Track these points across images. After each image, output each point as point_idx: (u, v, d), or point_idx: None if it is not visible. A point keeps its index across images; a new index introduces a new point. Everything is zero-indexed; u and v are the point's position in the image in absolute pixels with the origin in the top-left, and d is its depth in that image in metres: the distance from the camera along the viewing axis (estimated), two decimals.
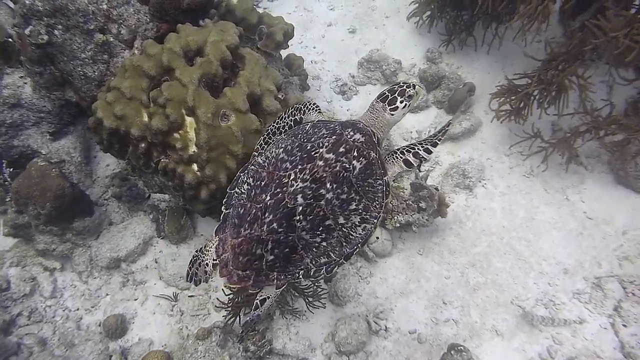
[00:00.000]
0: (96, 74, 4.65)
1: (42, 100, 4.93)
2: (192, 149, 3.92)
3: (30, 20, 4.47)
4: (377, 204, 3.10)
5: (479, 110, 5.69)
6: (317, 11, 6.78)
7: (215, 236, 3.23)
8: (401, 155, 3.47)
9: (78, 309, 4.97)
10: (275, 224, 2.91)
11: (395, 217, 4.91)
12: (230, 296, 4.46)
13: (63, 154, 5.14)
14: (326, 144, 3.05)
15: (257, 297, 3.27)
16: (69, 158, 5.16)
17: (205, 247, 3.37)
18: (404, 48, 6.27)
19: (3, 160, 4.93)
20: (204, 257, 3.33)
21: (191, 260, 3.40)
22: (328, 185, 2.93)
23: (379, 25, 6.52)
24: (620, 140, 4.74)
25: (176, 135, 3.91)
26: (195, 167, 3.95)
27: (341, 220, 2.97)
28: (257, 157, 3.43)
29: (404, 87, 3.40)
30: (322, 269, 3.04)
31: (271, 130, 3.74)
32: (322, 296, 4.58)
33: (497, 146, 5.50)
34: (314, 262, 3.01)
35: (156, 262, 5.11)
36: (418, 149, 3.49)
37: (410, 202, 4.89)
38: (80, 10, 4.43)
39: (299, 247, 2.95)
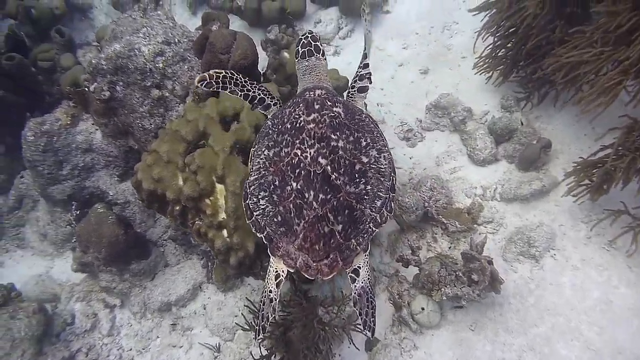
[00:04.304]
0: (153, 126, 4.89)
1: (110, 146, 5.29)
2: (222, 215, 3.95)
3: (96, 77, 4.82)
4: (377, 133, 3.17)
5: (555, 168, 5.06)
6: (390, 50, 6.51)
7: (275, 256, 3.06)
8: (353, 91, 3.67)
9: (131, 349, 5.23)
10: (321, 194, 2.87)
11: (443, 289, 4.53)
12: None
13: (128, 195, 5.46)
14: (300, 112, 3.09)
15: (348, 273, 3.09)
16: (134, 199, 5.48)
17: (265, 288, 3.14)
18: (478, 92, 5.77)
19: (74, 202, 5.37)
20: (269, 295, 3.11)
21: (260, 316, 3.16)
22: (333, 136, 2.97)
23: (454, 66, 6.08)
24: None
25: (207, 201, 3.96)
26: (225, 233, 3.97)
27: (364, 159, 3.00)
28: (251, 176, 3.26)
29: (309, 36, 3.54)
30: (383, 211, 3.01)
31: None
32: None
33: (575, 211, 4.84)
34: (373, 209, 2.97)
35: (204, 309, 5.24)
36: (358, 72, 3.67)
37: (460, 274, 4.48)
38: (139, 68, 4.67)
39: (353, 202, 2.91)
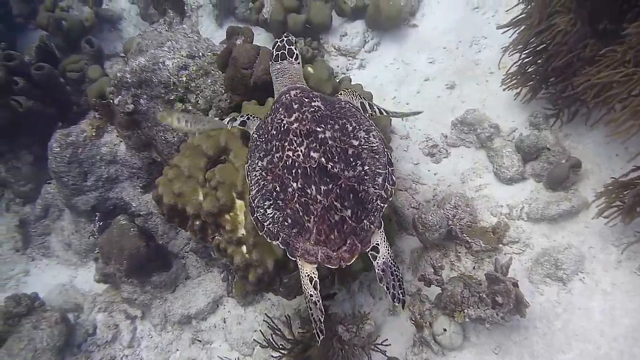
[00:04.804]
0: (175, 139, 4.92)
1: (133, 157, 5.35)
2: (241, 231, 3.93)
3: (121, 90, 4.87)
4: (361, 116, 3.21)
5: (585, 189, 4.89)
6: (416, 64, 6.41)
7: (295, 258, 3.08)
8: (358, 97, 3.61)
9: None
10: (322, 186, 2.93)
11: (465, 311, 4.41)
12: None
13: (151, 206, 5.50)
14: (281, 116, 3.14)
15: (368, 252, 3.08)
16: (156, 211, 5.50)
17: (306, 294, 3.14)
18: (506, 108, 5.64)
19: (97, 213, 5.44)
20: (310, 299, 3.11)
21: (312, 320, 3.13)
22: (318, 129, 3.03)
23: (481, 82, 5.95)
24: None
25: (227, 217, 3.95)
26: (244, 249, 3.95)
27: (355, 142, 3.05)
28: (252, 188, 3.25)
29: (284, 39, 3.60)
30: (386, 186, 3.05)
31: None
32: None
33: (605, 233, 4.66)
34: (376, 186, 3.01)
35: (224, 323, 5.21)
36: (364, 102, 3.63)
37: (484, 296, 4.36)
38: (163, 82, 4.71)
39: (355, 185, 2.96)
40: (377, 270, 3.03)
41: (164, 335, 5.31)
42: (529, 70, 5.23)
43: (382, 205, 3.02)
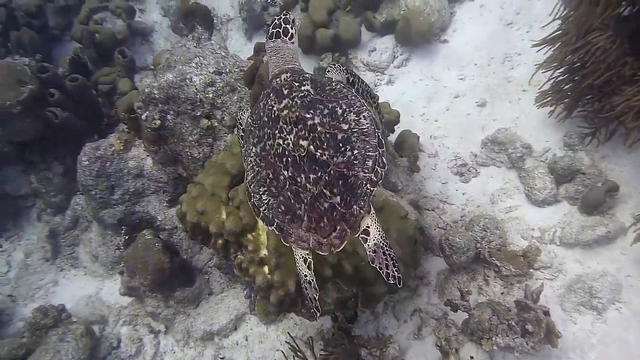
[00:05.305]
0: (201, 155, 4.92)
1: (159, 172, 5.38)
2: (264, 251, 3.89)
3: (148, 105, 4.90)
4: (352, 96, 3.17)
5: (622, 214, 4.68)
6: (446, 80, 6.28)
7: (289, 243, 3.13)
8: (345, 72, 3.62)
9: None
10: (311, 174, 2.94)
11: (493, 338, 4.25)
12: None
13: (176, 221, 5.50)
14: (272, 102, 3.15)
15: (359, 236, 3.05)
16: (181, 225, 5.51)
17: (300, 274, 3.23)
18: (539, 128, 5.45)
19: (124, 227, 5.48)
20: (305, 279, 3.21)
21: (308, 299, 3.23)
22: (308, 115, 3.02)
23: (514, 100, 5.78)
24: None
25: (249, 236, 3.91)
26: (266, 269, 3.90)
27: (344, 126, 3.02)
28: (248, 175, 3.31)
29: (282, 17, 3.54)
30: (376, 168, 3.02)
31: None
32: None
33: None
34: (366, 170, 2.98)
35: (246, 340, 5.17)
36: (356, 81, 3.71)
37: (514, 323, 4.20)
38: (189, 98, 4.72)
39: (345, 171, 2.94)
40: (368, 252, 3.00)
41: (187, 351, 5.30)
42: (564, 87, 5.06)
43: (372, 188, 3.00)
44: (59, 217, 6.65)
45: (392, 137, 5.47)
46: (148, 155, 5.37)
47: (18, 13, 8.01)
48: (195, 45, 5.14)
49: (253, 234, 3.90)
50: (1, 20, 7.78)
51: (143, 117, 4.89)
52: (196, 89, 4.68)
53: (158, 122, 4.85)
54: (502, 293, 4.66)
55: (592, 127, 5.02)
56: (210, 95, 4.70)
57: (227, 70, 4.89)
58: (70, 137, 6.48)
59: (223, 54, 5.07)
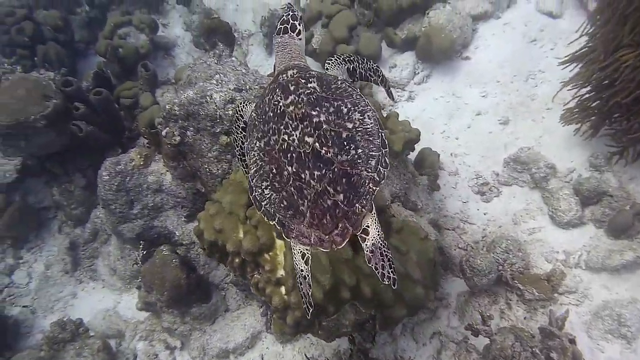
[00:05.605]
0: (220, 171, 4.91)
1: (178, 187, 5.37)
2: (281, 272, 3.84)
3: (169, 122, 4.92)
4: (357, 95, 3.19)
5: None
6: (467, 97, 6.19)
7: (290, 239, 3.11)
8: (344, 62, 3.60)
9: None
10: (315, 171, 2.95)
11: None
12: None
13: (194, 236, 5.49)
14: (278, 97, 3.14)
15: (357, 235, 3.06)
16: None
17: (297, 268, 3.21)
18: (563, 148, 5.32)
19: (142, 242, 5.48)
20: (301, 274, 3.18)
21: (302, 295, 3.20)
22: (314, 112, 3.03)
23: (537, 118, 5.66)
24: None
25: (266, 256, 3.87)
26: (283, 290, 3.85)
27: (349, 125, 3.04)
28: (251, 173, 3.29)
29: (290, 14, 3.54)
30: (379, 168, 3.03)
31: (239, 153, 3.81)
32: None
33: None
34: (369, 169, 2.98)
35: (262, 359, 5.10)
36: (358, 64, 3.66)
37: (537, 351, 4.06)
38: (209, 115, 4.72)
39: (348, 169, 2.96)
40: (365, 252, 3.01)
41: None
42: (591, 105, 4.94)
43: (374, 188, 3.00)
44: (79, 229, 6.70)
45: (412, 155, 5.39)
46: (167, 171, 5.38)
47: (45, 27, 8.19)
48: (216, 62, 5.14)
49: (270, 253, 3.86)
50: (28, 34, 7.95)
51: (163, 133, 4.91)
52: (216, 105, 4.68)
53: (178, 138, 4.86)
54: (525, 318, 4.53)
55: (620, 146, 4.88)
56: (230, 112, 4.69)
57: (247, 87, 4.88)
58: (92, 150, 6.55)
59: (244, 70, 5.07)
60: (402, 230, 4.07)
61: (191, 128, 4.85)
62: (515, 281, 4.62)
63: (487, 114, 5.96)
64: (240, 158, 3.81)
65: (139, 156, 5.43)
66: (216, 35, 5.82)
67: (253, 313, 5.31)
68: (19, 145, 6.03)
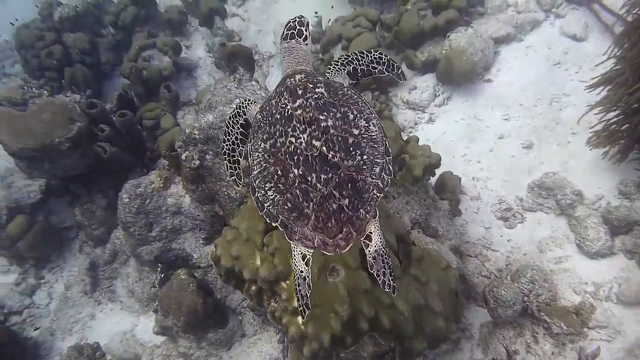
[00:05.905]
0: (238, 195, 4.90)
1: (197, 210, 5.37)
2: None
3: (188, 145, 4.94)
4: (362, 102, 3.21)
5: None
6: (489, 120, 6.09)
7: (293, 241, 3.07)
8: (342, 67, 3.59)
9: None
10: (322, 175, 2.94)
11: None
12: None
13: (211, 259, 5.47)
14: (286, 100, 3.13)
15: (361, 240, 3.07)
16: None
17: (296, 270, 3.18)
18: (590, 174, 5.17)
19: (160, 264, 5.48)
20: (300, 274, 3.16)
21: (299, 296, 3.16)
22: (321, 117, 3.04)
23: (562, 142, 5.53)
24: None
25: (283, 284, 3.80)
26: (299, 320, 3.77)
27: (355, 131, 3.07)
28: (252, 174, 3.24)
29: (297, 20, 3.52)
30: (383, 176, 3.04)
31: (228, 147, 3.73)
32: None
33: None
34: (374, 176, 2.99)
35: None
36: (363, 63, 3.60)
37: None
38: None
39: (354, 175, 2.96)
40: (368, 258, 3.02)
41: None
42: (619, 129, 4.80)
43: (378, 195, 3.01)
44: (100, 249, 6.74)
45: (433, 179, 5.29)
46: (186, 193, 5.39)
47: (73, 50, 8.38)
48: (236, 86, 5.16)
49: (287, 282, 3.78)
50: (57, 57, 8.15)
51: (183, 157, 4.93)
52: None
53: (197, 162, 4.87)
54: (552, 353, 4.36)
55: None
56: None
57: None
58: (115, 171, 6.62)
59: (263, 94, 5.08)
60: (422, 260, 3.97)
61: (210, 152, 4.86)
62: (542, 313, 4.45)
63: (510, 137, 5.85)
64: (228, 152, 3.75)
65: (159, 179, 5.45)
66: (237, 59, 5.86)
67: (270, 339, 5.23)
68: (43, 167, 6.12)
